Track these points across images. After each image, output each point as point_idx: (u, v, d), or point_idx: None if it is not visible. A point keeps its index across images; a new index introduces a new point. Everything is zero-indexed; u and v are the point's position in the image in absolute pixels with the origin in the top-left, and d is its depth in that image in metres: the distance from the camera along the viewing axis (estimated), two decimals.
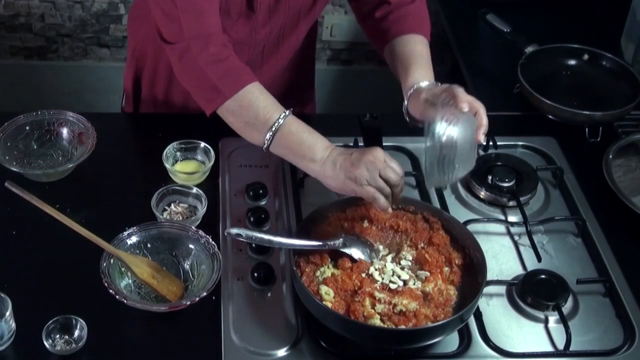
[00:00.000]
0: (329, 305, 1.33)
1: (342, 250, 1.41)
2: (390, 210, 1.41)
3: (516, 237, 1.59)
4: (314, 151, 1.42)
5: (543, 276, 1.47)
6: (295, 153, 1.45)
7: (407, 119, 1.55)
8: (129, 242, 1.44)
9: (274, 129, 1.44)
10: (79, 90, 3.11)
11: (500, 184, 1.65)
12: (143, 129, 1.84)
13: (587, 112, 1.83)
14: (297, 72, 1.88)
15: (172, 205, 1.57)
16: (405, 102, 1.54)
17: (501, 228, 1.61)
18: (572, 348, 1.37)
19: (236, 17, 1.60)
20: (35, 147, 1.68)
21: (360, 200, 1.49)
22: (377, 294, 1.34)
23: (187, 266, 1.46)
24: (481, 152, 1.77)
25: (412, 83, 1.53)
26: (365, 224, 1.48)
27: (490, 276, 1.42)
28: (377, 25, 1.69)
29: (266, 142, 1.45)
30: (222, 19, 1.56)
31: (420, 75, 1.54)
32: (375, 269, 1.41)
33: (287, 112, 1.45)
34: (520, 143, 1.81)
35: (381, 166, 1.38)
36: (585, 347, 1.39)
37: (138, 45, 1.80)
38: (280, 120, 1.44)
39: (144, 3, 1.60)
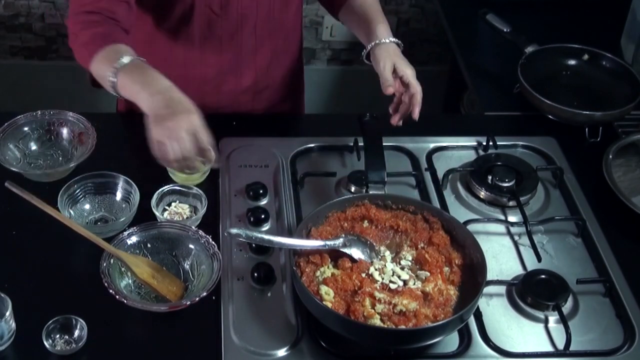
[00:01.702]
0: (329, 305, 1.33)
1: (342, 250, 1.41)
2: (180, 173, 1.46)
3: (516, 237, 1.59)
4: (151, 82, 1.41)
5: (543, 276, 1.47)
6: (135, 87, 1.42)
7: (364, 60, 1.67)
8: (129, 242, 1.44)
9: (118, 66, 1.43)
10: (79, 90, 3.10)
11: (500, 184, 1.65)
12: (143, 128, 1.83)
13: (587, 112, 1.83)
14: (291, 57, 1.89)
15: (172, 205, 1.57)
16: (367, 50, 1.65)
17: (501, 228, 1.61)
18: (572, 348, 1.37)
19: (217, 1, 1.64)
20: (35, 147, 1.68)
21: (360, 201, 1.49)
22: (377, 294, 1.34)
23: (187, 266, 1.46)
24: (481, 152, 1.77)
25: (375, 39, 1.64)
26: (365, 224, 1.48)
27: (490, 276, 1.42)
28: None
29: (110, 80, 1.44)
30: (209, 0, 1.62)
31: (381, 32, 1.64)
32: (375, 269, 1.41)
33: (139, 58, 1.45)
34: (520, 143, 1.81)
35: (183, 140, 1.35)
36: (585, 347, 1.39)
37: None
38: (125, 59, 1.43)
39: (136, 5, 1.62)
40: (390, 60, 1.59)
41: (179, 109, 1.36)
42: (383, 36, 1.63)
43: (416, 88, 1.59)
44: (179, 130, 1.34)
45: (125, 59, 1.43)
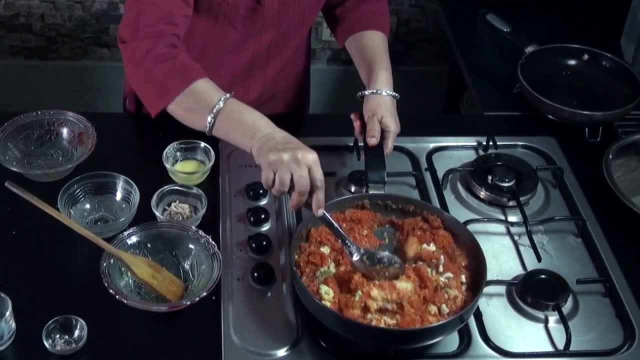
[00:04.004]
0: (329, 305, 1.33)
1: (352, 260, 1.39)
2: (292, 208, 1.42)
3: (516, 237, 1.59)
4: (255, 128, 1.41)
5: (543, 276, 1.47)
6: (236, 132, 1.44)
7: (358, 98, 1.65)
8: (129, 242, 1.44)
9: (215, 111, 1.43)
10: (79, 90, 3.11)
11: (500, 184, 1.65)
12: (143, 129, 1.84)
13: (587, 112, 1.83)
14: (297, 69, 1.89)
15: (172, 205, 1.57)
16: (365, 93, 1.63)
17: (501, 228, 1.61)
18: (572, 348, 1.37)
19: (244, 11, 1.62)
20: (35, 147, 1.68)
21: (360, 201, 1.50)
22: (378, 294, 1.34)
23: (187, 266, 1.46)
24: (481, 152, 1.77)
25: (374, 87, 1.63)
26: (365, 231, 1.48)
27: (490, 276, 1.42)
28: (345, 16, 1.78)
29: (208, 125, 1.45)
30: (230, 14, 1.59)
31: (381, 81, 1.63)
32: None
33: (228, 95, 1.45)
34: (520, 143, 1.81)
35: (298, 171, 1.35)
36: (585, 347, 1.39)
37: None
38: (220, 102, 1.44)
39: None
40: (380, 114, 1.59)
41: (298, 145, 1.38)
42: (382, 86, 1.62)
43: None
44: (301, 161, 1.35)
45: (220, 103, 1.43)
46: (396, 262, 1.38)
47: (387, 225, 1.51)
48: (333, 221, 1.40)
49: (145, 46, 1.49)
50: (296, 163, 1.35)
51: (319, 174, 1.36)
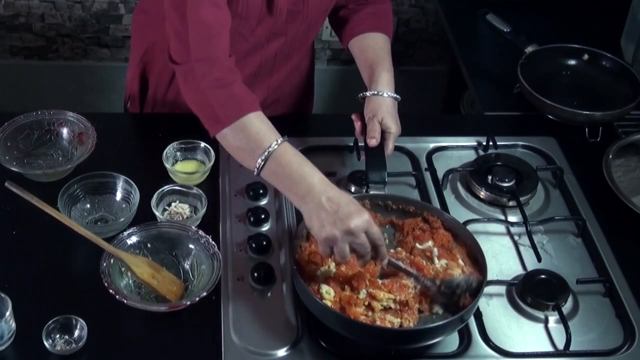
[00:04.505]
0: (329, 304, 1.33)
1: (431, 293, 1.37)
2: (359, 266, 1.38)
3: (516, 237, 1.59)
4: (306, 186, 1.36)
5: (543, 276, 1.47)
6: (286, 182, 1.39)
7: (359, 99, 1.65)
8: (129, 242, 1.44)
9: (265, 154, 1.39)
10: (79, 90, 3.11)
11: (500, 184, 1.65)
12: (143, 129, 1.84)
13: (587, 112, 1.83)
14: (302, 74, 1.89)
15: (172, 205, 1.57)
16: (366, 94, 1.62)
17: (501, 228, 1.61)
18: (572, 348, 1.37)
19: (255, 21, 1.61)
20: (35, 147, 1.68)
21: (360, 201, 1.49)
22: (378, 293, 1.34)
23: (187, 266, 1.46)
24: (481, 152, 1.77)
25: (375, 88, 1.62)
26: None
27: (490, 276, 1.42)
28: (349, 18, 1.77)
29: (257, 168, 1.40)
30: (240, 24, 1.58)
31: (382, 83, 1.63)
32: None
33: (281, 140, 1.40)
34: (520, 143, 1.81)
35: (356, 240, 1.31)
36: (585, 347, 1.39)
37: (148, 51, 1.80)
38: (274, 145, 1.39)
39: (159, 12, 1.59)
40: (381, 115, 1.59)
41: (348, 210, 1.31)
42: (383, 88, 1.62)
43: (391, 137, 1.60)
44: (357, 232, 1.30)
45: (274, 146, 1.38)
46: (472, 281, 1.36)
47: (387, 226, 1.51)
48: (400, 263, 1.37)
49: (200, 70, 1.46)
50: (351, 235, 1.30)
51: (376, 234, 1.32)
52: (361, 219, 1.30)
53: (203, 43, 1.47)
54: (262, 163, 1.39)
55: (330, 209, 1.31)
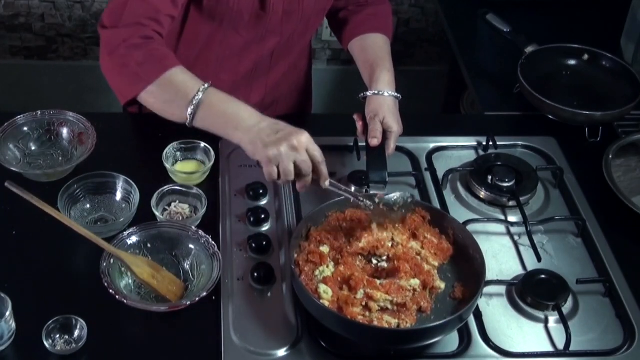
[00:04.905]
0: (327, 304, 1.33)
1: (370, 212, 1.45)
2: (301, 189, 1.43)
3: (516, 237, 1.59)
4: (238, 119, 1.41)
5: (543, 276, 1.47)
6: (219, 123, 1.43)
7: (360, 99, 1.66)
8: (129, 242, 1.44)
9: (194, 102, 1.42)
10: (79, 90, 3.10)
11: (500, 184, 1.65)
12: (143, 129, 1.84)
13: (587, 112, 1.83)
14: (299, 73, 1.89)
15: (172, 205, 1.57)
16: (367, 94, 1.64)
17: (501, 228, 1.61)
18: (572, 348, 1.37)
19: (247, 17, 1.61)
20: (35, 147, 1.68)
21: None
22: (376, 294, 1.34)
23: (187, 266, 1.46)
24: (481, 152, 1.77)
25: (376, 88, 1.64)
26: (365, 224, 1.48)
27: (490, 276, 1.42)
28: (349, 19, 1.78)
29: (188, 117, 1.43)
30: (233, 18, 1.59)
31: (383, 82, 1.64)
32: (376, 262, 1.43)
33: (206, 85, 1.44)
34: (520, 143, 1.81)
35: (299, 157, 1.36)
36: (585, 347, 1.39)
37: None
38: (200, 93, 1.42)
39: None
40: (382, 115, 1.59)
41: (288, 130, 1.38)
42: (384, 87, 1.63)
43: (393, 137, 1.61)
44: (298, 146, 1.36)
45: (200, 94, 1.42)
46: (409, 197, 1.44)
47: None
48: (340, 185, 1.44)
49: (123, 35, 1.48)
50: (295, 150, 1.36)
51: (317, 151, 1.38)
52: (303, 135, 1.37)
53: (136, 15, 1.49)
54: (193, 111, 1.42)
55: (272, 130, 1.37)
